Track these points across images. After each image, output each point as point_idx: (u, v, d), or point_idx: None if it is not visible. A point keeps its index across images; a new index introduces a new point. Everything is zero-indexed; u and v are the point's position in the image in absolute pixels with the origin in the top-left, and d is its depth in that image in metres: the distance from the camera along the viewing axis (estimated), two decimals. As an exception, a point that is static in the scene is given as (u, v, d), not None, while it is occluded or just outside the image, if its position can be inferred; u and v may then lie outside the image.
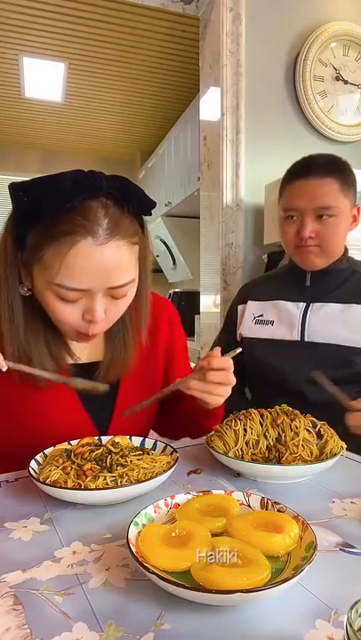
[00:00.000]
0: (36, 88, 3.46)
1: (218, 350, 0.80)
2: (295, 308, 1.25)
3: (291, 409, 0.85)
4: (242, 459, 0.77)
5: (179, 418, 0.98)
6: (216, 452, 0.78)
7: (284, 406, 0.86)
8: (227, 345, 1.36)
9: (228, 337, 1.40)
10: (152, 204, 0.75)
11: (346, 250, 1.26)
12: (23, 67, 3.16)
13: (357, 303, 1.19)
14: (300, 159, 1.23)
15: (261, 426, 0.81)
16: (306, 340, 1.21)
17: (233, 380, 0.81)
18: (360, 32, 2.16)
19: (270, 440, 0.79)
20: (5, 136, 4.37)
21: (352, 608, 0.33)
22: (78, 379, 0.78)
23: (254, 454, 0.78)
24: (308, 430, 0.80)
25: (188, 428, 0.98)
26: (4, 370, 0.69)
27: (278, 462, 0.76)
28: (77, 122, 4.10)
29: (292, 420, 0.80)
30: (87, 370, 0.87)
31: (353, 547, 0.56)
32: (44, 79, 3.33)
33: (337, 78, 2.17)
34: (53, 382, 0.79)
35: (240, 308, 1.39)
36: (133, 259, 0.74)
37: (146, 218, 0.78)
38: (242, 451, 0.78)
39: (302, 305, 1.25)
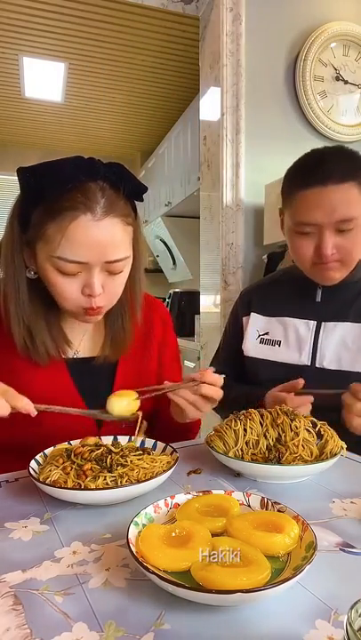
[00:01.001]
0: (36, 88, 3.46)
1: (211, 368, 0.84)
2: (305, 328, 1.12)
3: (291, 409, 0.85)
4: (242, 459, 0.77)
5: (163, 422, 1.02)
6: (216, 452, 0.78)
7: (284, 406, 0.86)
8: (234, 356, 1.26)
9: (234, 347, 1.27)
10: (143, 189, 0.82)
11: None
12: (23, 67, 3.16)
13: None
14: (310, 157, 1.06)
15: (261, 426, 0.81)
16: (317, 365, 1.08)
17: (220, 397, 0.83)
18: (360, 32, 2.16)
19: (270, 440, 0.79)
20: (5, 136, 4.38)
21: (352, 608, 0.33)
22: (106, 414, 0.79)
23: (254, 454, 0.78)
24: (308, 430, 0.80)
25: (168, 434, 0.99)
26: (34, 415, 0.71)
27: (278, 462, 0.76)
28: (77, 122, 4.10)
29: (292, 420, 0.80)
30: (87, 363, 0.93)
31: (353, 547, 0.56)
32: (44, 79, 3.34)
33: (337, 78, 2.17)
34: (79, 414, 0.81)
35: (244, 319, 1.26)
36: (127, 237, 0.81)
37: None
38: (242, 451, 0.79)
39: (313, 324, 1.12)
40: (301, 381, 0.95)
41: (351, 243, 1.02)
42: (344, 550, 0.55)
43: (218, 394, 0.82)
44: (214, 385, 0.81)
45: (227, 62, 2.05)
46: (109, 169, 0.78)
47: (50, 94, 3.56)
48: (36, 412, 0.71)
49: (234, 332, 1.29)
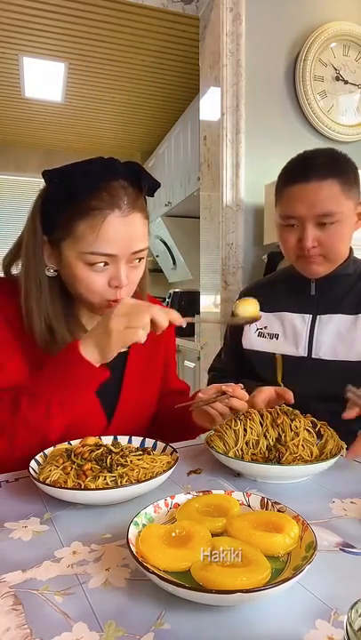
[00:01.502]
0: (36, 88, 3.46)
1: (240, 385, 0.88)
2: (301, 321, 1.17)
3: (291, 409, 0.85)
4: (242, 459, 0.77)
5: (162, 422, 1.05)
6: (216, 452, 0.78)
7: (284, 406, 0.86)
8: (234, 353, 1.31)
9: (234, 344, 1.30)
10: (158, 185, 0.89)
11: (351, 251, 1.18)
12: (23, 67, 3.16)
13: None
14: (296, 158, 1.14)
15: (261, 426, 0.81)
16: (313, 356, 1.13)
17: (246, 410, 0.86)
18: (360, 32, 2.16)
19: (270, 440, 0.79)
20: (5, 136, 4.38)
21: (352, 608, 0.33)
22: (235, 317, 0.93)
23: (254, 454, 0.78)
24: (308, 430, 0.80)
25: (168, 434, 1.00)
26: (184, 325, 0.81)
27: (278, 462, 0.76)
28: (77, 122, 4.10)
29: (292, 420, 0.81)
30: None
31: (353, 547, 0.56)
32: (44, 79, 3.33)
33: (337, 78, 2.17)
34: None
35: None
36: (146, 230, 0.87)
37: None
38: (242, 451, 0.79)
39: (308, 317, 1.17)
40: (291, 399, 0.96)
41: (333, 237, 1.08)
42: (344, 550, 0.55)
43: (245, 407, 0.86)
44: (242, 399, 0.86)
45: (227, 62, 2.04)
46: (128, 168, 0.84)
47: (50, 94, 3.56)
48: (185, 323, 0.81)
49: (233, 330, 1.33)
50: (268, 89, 2.10)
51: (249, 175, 2.08)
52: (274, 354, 1.19)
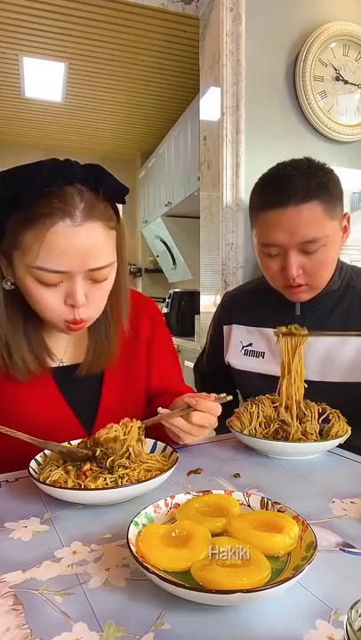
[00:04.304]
0: (36, 88, 3.46)
1: (213, 395, 0.81)
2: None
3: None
4: (255, 436, 0.86)
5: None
6: (234, 430, 0.88)
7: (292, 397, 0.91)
8: (214, 367, 1.27)
9: (214, 357, 1.26)
10: (125, 190, 0.79)
11: (338, 262, 1.09)
12: (23, 67, 3.16)
13: (355, 329, 1.03)
14: (269, 176, 1.02)
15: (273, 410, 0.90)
16: None
17: (215, 425, 0.81)
18: (360, 32, 2.16)
19: (277, 423, 0.88)
20: (5, 136, 4.38)
21: (352, 608, 0.33)
22: (54, 443, 0.74)
23: (267, 433, 0.88)
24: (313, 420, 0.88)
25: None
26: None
27: (285, 441, 0.85)
28: (77, 122, 4.10)
29: (303, 412, 0.89)
30: (74, 371, 0.90)
31: (353, 547, 0.56)
32: (44, 79, 3.33)
33: (337, 78, 2.17)
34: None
35: (226, 328, 1.25)
36: (110, 242, 0.77)
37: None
38: (255, 430, 0.89)
39: None
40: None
41: (317, 263, 0.99)
42: (344, 550, 0.55)
43: (210, 422, 0.79)
44: (210, 412, 0.79)
45: (227, 62, 2.04)
46: (87, 171, 0.74)
47: (50, 94, 3.56)
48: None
49: (215, 342, 1.29)
50: (269, 89, 2.10)
51: (249, 175, 2.08)
52: (262, 374, 1.13)
